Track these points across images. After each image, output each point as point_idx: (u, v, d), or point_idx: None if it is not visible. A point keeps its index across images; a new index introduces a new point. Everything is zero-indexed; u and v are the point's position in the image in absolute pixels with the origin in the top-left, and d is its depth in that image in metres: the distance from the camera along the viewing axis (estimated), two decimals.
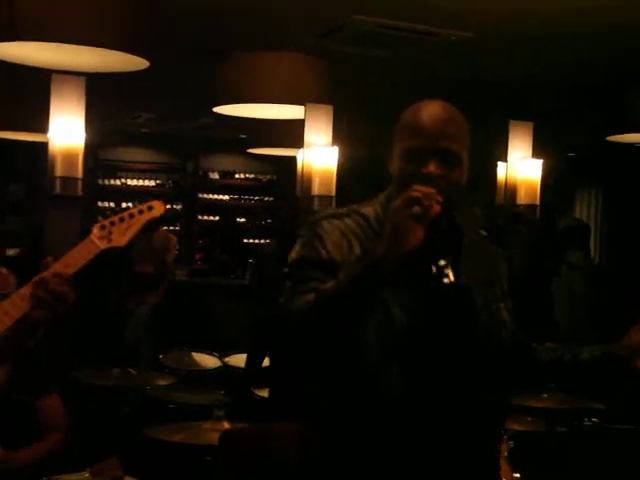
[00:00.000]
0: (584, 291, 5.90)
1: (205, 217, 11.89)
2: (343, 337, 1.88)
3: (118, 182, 11.52)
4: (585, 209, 11.19)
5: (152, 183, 11.70)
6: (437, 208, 1.79)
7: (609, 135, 6.17)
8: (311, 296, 1.84)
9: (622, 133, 6.01)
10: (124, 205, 11.15)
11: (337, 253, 1.93)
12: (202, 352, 5.49)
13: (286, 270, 1.98)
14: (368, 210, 2.03)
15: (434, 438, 1.93)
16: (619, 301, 6.24)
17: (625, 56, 5.43)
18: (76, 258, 1.93)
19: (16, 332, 1.95)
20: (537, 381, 2.41)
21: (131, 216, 1.98)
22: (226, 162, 11.96)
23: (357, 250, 1.95)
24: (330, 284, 1.83)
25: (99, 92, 6.39)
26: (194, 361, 5.38)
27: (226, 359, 5.36)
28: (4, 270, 3.27)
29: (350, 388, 1.95)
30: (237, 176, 12.04)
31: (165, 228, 10.05)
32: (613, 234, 10.72)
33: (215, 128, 9.53)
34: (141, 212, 1.99)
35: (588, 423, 3.68)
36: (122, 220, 1.97)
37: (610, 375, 2.17)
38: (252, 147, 8.50)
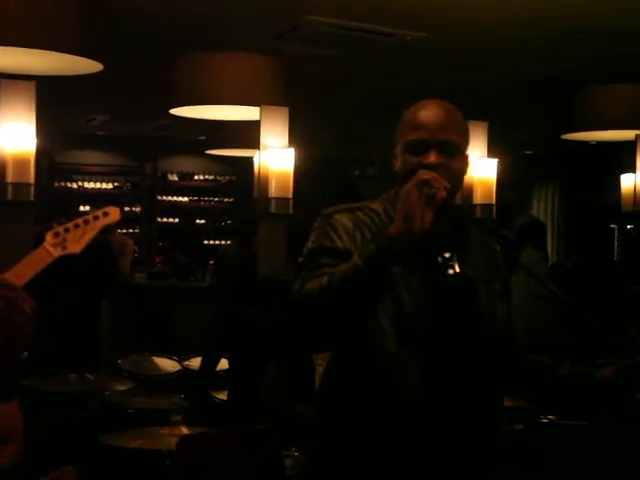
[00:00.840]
0: (541, 290, 5.96)
1: (164, 219, 11.79)
2: (354, 321, 1.92)
3: (74, 185, 11.39)
4: (542, 205, 11.32)
5: (110, 186, 11.59)
6: (443, 193, 1.87)
7: (564, 133, 6.21)
8: (324, 279, 1.88)
9: (575, 131, 6.05)
10: (81, 208, 11.05)
11: (351, 243, 2.01)
12: (162, 356, 5.47)
13: (301, 259, 2.04)
14: (378, 206, 2.13)
15: (445, 424, 1.98)
16: (579, 297, 6.30)
17: (577, 57, 5.48)
18: (29, 267, 1.89)
19: None
20: (520, 387, 2.39)
21: (86, 222, 1.94)
22: (185, 164, 11.91)
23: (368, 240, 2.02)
24: (343, 266, 1.88)
25: (52, 94, 6.36)
26: (154, 365, 5.36)
27: (186, 362, 5.35)
28: None
29: (362, 376, 2.01)
30: (196, 177, 11.98)
31: (124, 231, 10.02)
32: (569, 228, 10.85)
33: (173, 130, 9.48)
34: (96, 218, 1.95)
35: (545, 420, 3.72)
36: (77, 227, 1.92)
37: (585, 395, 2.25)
38: (211, 148, 8.49)
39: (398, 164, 2.12)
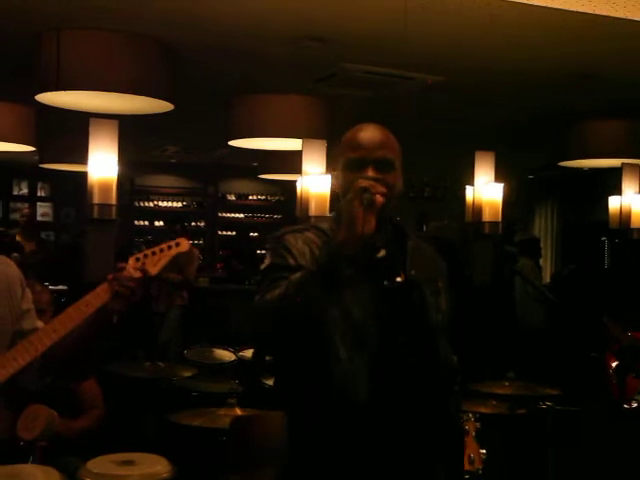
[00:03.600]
0: (532, 291, 5.96)
1: (224, 232, 11.84)
2: (310, 324, 1.80)
3: (151, 204, 11.52)
4: (543, 222, 11.22)
5: (179, 204, 11.69)
6: (380, 198, 1.82)
7: (561, 161, 6.18)
8: (282, 288, 1.79)
9: (571, 159, 6.05)
10: (156, 223, 11.15)
11: (302, 259, 1.90)
12: (220, 347, 5.46)
13: (259, 277, 1.94)
14: (324, 225, 2.01)
15: (395, 425, 1.88)
16: (570, 298, 6.24)
17: (573, 97, 5.45)
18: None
19: (95, 320, 1.96)
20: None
21: (161, 251, 1.97)
22: (241, 186, 11.95)
23: (316, 254, 1.91)
24: (297, 273, 1.80)
25: (134, 130, 6.45)
26: (213, 355, 5.35)
27: (240, 353, 5.33)
28: (39, 287, 3.25)
29: (316, 376, 1.89)
30: (250, 197, 12.02)
31: (190, 242, 10.08)
32: (566, 242, 10.74)
33: (231, 158, 9.53)
34: (170, 247, 1.99)
35: (543, 406, 3.67)
36: (154, 254, 1.96)
37: None
38: (262, 173, 8.48)
39: (339, 181, 2.01)
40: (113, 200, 3.54)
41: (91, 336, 2.01)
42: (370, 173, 1.92)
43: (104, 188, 3.52)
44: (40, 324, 2.12)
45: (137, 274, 1.94)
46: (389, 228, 1.98)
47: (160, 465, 3.09)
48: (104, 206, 3.53)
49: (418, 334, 1.92)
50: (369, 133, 2.01)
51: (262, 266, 1.96)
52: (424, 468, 1.93)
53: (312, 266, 1.83)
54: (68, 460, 3.22)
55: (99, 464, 3.09)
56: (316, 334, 1.82)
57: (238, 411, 3.50)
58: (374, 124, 2.05)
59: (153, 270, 1.94)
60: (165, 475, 3.03)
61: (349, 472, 1.87)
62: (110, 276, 1.93)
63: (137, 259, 1.94)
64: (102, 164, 3.55)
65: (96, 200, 3.52)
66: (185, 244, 1.99)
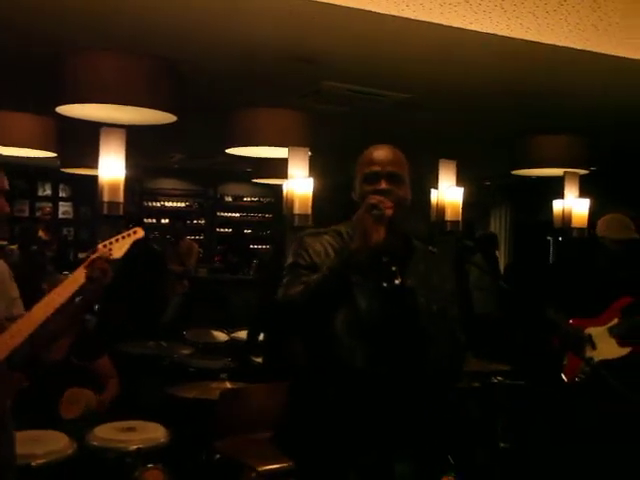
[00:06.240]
0: (485, 283, 5.95)
1: (222, 229, 11.78)
2: (325, 317, 1.86)
3: (158, 204, 11.44)
4: (498, 222, 11.24)
5: (183, 204, 11.62)
6: (389, 212, 1.83)
7: (512, 170, 6.19)
8: (302, 286, 1.84)
9: (520, 168, 6.06)
10: (162, 221, 11.07)
11: (317, 259, 1.95)
12: (216, 329, 5.43)
13: (284, 272, 1.99)
14: (342, 228, 2.07)
15: (388, 400, 1.90)
16: (520, 289, 6.23)
17: (523, 115, 5.45)
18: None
19: (78, 303, 2.00)
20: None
21: (123, 238, 2.01)
22: (237, 188, 11.90)
23: (331, 255, 1.97)
24: (315, 275, 1.84)
25: (145, 138, 6.39)
26: (210, 336, 5.33)
27: (233, 334, 5.31)
28: (57, 274, 3.22)
29: (326, 352, 1.93)
30: (245, 199, 11.97)
31: (192, 237, 10.02)
32: (517, 239, 10.78)
33: (228, 164, 9.47)
34: (129, 235, 2.03)
35: (495, 380, 3.65)
36: (117, 241, 2.00)
37: None
38: (256, 177, 8.43)
39: (357, 193, 2.05)
40: (121, 198, 3.49)
41: (74, 315, 2.04)
42: (383, 185, 1.97)
43: (113, 188, 3.47)
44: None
45: (105, 256, 1.99)
46: (397, 236, 1.99)
47: (158, 432, 3.06)
48: (113, 204, 3.47)
49: (409, 330, 1.94)
50: (382, 152, 2.05)
51: (287, 262, 2.02)
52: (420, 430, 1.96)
53: (326, 264, 1.88)
54: (77, 426, 3.18)
55: (104, 430, 3.06)
56: (327, 321, 1.88)
57: (228, 385, 3.46)
58: (386, 144, 2.10)
59: (118, 254, 1.98)
60: (162, 440, 3.00)
61: (349, 431, 1.89)
62: (87, 262, 1.96)
63: (105, 245, 1.98)
64: (111, 167, 3.50)
65: (106, 198, 3.47)
66: (140, 232, 2.04)
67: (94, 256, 1.95)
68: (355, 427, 1.89)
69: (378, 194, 1.91)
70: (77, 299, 1.99)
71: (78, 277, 1.93)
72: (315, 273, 1.88)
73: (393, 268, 1.89)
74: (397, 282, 1.89)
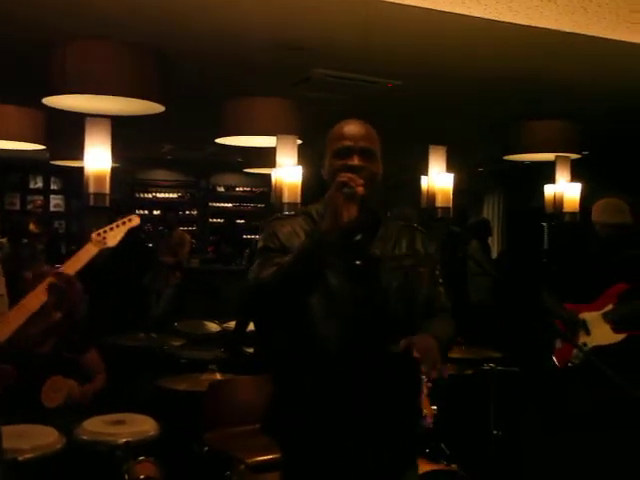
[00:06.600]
0: (477, 270, 5.93)
1: (214, 220, 11.72)
2: (298, 301, 1.82)
3: (150, 195, 11.38)
4: (491, 209, 11.22)
5: (175, 195, 11.56)
6: (361, 189, 1.77)
7: (505, 155, 6.16)
8: (274, 268, 1.80)
9: (513, 154, 6.04)
10: (155, 212, 11.02)
11: (287, 241, 1.91)
12: (208, 320, 5.40)
13: (255, 257, 1.94)
14: (312, 209, 2.01)
15: (361, 373, 1.86)
16: (513, 275, 6.23)
17: (514, 100, 5.41)
18: (79, 259, 1.85)
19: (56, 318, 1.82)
20: None
21: (117, 226, 1.93)
22: (229, 179, 11.83)
23: (302, 237, 1.91)
24: (288, 257, 1.80)
25: (135, 130, 6.33)
26: (201, 327, 5.29)
27: (225, 325, 5.27)
28: (46, 267, 3.16)
29: (301, 338, 1.89)
30: (237, 189, 11.91)
31: (184, 228, 9.99)
32: (511, 225, 10.76)
33: (220, 154, 9.42)
34: (124, 223, 1.95)
35: (487, 367, 3.64)
36: (112, 229, 1.91)
37: None
38: (247, 167, 8.38)
39: (326, 170, 1.98)
40: (106, 190, 3.44)
41: (54, 327, 1.91)
42: (356, 161, 1.90)
43: (99, 179, 3.42)
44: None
45: (99, 246, 1.88)
46: (369, 214, 1.94)
47: (147, 424, 3.04)
48: (99, 195, 3.43)
49: (379, 306, 1.88)
50: (353, 126, 1.98)
51: (257, 246, 1.97)
52: (393, 414, 1.91)
53: (297, 248, 1.82)
54: (66, 420, 3.15)
55: (93, 423, 3.03)
56: (300, 305, 1.83)
57: (218, 376, 3.43)
58: (357, 119, 2.02)
59: (113, 242, 1.90)
60: (152, 433, 2.98)
61: (328, 417, 1.86)
62: (45, 283, 1.80)
63: (98, 234, 1.92)
64: (97, 158, 3.45)
65: (92, 190, 3.42)
66: (135, 219, 1.95)
67: (49, 278, 1.78)
68: (332, 415, 1.86)
69: (351, 170, 1.86)
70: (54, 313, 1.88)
71: (39, 294, 1.78)
72: (285, 256, 1.83)
73: (357, 237, 1.84)
74: (365, 255, 1.86)
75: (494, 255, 9.70)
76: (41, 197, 10.70)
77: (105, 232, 1.90)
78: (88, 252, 1.86)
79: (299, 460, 1.93)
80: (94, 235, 1.87)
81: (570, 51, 4.07)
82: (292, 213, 2.09)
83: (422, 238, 2.07)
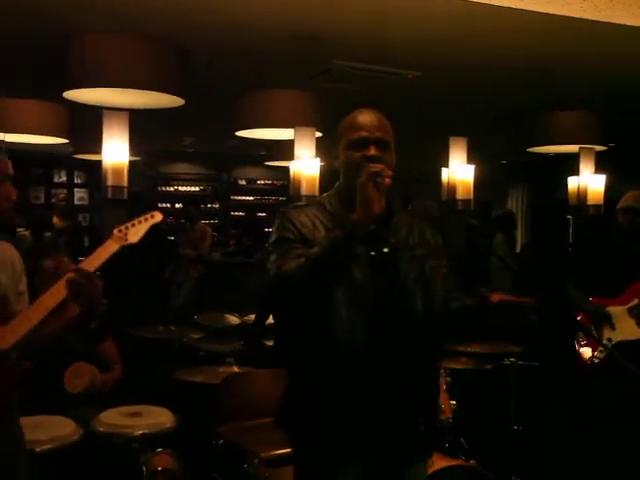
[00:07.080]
0: (500, 264, 5.85)
1: (236, 213, 11.75)
2: (325, 290, 1.78)
3: (172, 189, 11.43)
4: (515, 202, 11.10)
5: (197, 189, 11.60)
6: (389, 181, 1.76)
7: (528, 147, 6.07)
8: (300, 260, 1.75)
9: (537, 145, 5.94)
10: (177, 205, 11.07)
11: (305, 230, 1.88)
12: (228, 312, 5.40)
13: (270, 248, 1.90)
14: (325, 199, 1.99)
15: (380, 368, 1.83)
16: (537, 268, 6.15)
17: (539, 92, 5.33)
18: (100, 255, 1.85)
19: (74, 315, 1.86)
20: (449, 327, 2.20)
21: (140, 222, 1.92)
22: (250, 172, 11.85)
23: (319, 227, 1.89)
24: (315, 248, 1.75)
25: (155, 123, 6.34)
26: (221, 319, 5.29)
27: (245, 318, 5.27)
28: (66, 259, 3.18)
29: (322, 331, 1.85)
30: (258, 182, 11.93)
31: (206, 221, 10.01)
32: (535, 218, 10.64)
33: (241, 147, 9.41)
34: (146, 219, 1.94)
35: (507, 362, 3.58)
36: (134, 225, 1.90)
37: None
38: (269, 160, 8.38)
39: (341, 160, 1.95)
40: (124, 182, 3.45)
41: (74, 324, 1.89)
42: (372, 152, 1.88)
43: (117, 172, 3.43)
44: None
45: (120, 242, 1.88)
46: (390, 203, 1.91)
47: (164, 416, 3.04)
48: (117, 188, 3.44)
49: (399, 297, 1.86)
50: (368, 116, 1.96)
51: (271, 238, 1.93)
52: (410, 414, 1.88)
53: (321, 237, 1.80)
54: (83, 411, 3.17)
55: (110, 415, 3.04)
56: (324, 297, 1.80)
57: (235, 369, 3.43)
58: (370, 109, 1.99)
59: (134, 238, 1.89)
60: (168, 425, 2.98)
61: (345, 414, 1.83)
62: (65, 277, 1.81)
63: (120, 230, 1.89)
64: (115, 151, 3.46)
65: (110, 182, 3.43)
66: (158, 216, 1.94)
67: (69, 274, 1.79)
68: (348, 410, 1.83)
69: (370, 160, 1.83)
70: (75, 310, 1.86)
71: (58, 291, 1.79)
72: (306, 247, 1.79)
73: (383, 236, 1.82)
74: (386, 250, 1.83)
75: (517, 248, 9.61)
76: (65, 191, 10.80)
77: (127, 228, 1.88)
78: (108, 249, 1.85)
79: (310, 455, 1.90)
80: (116, 231, 1.86)
81: (594, 39, 3.98)
82: (304, 203, 2.04)
83: (430, 230, 2.06)
